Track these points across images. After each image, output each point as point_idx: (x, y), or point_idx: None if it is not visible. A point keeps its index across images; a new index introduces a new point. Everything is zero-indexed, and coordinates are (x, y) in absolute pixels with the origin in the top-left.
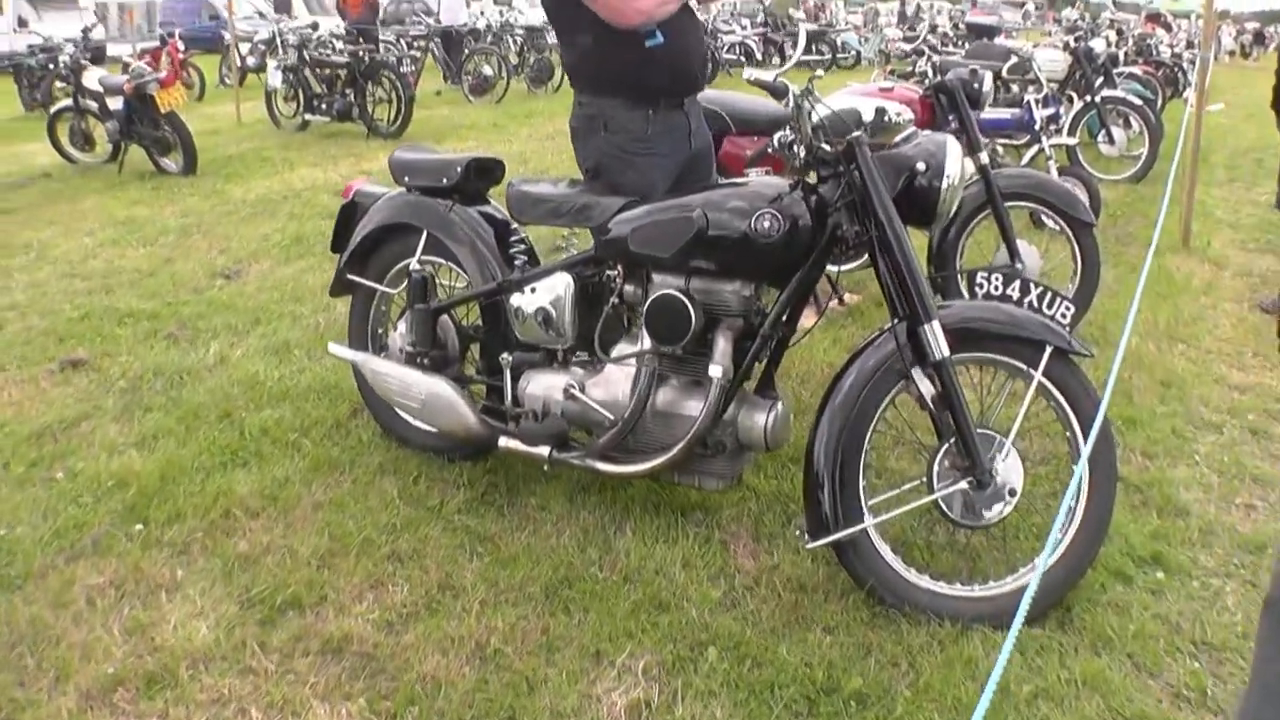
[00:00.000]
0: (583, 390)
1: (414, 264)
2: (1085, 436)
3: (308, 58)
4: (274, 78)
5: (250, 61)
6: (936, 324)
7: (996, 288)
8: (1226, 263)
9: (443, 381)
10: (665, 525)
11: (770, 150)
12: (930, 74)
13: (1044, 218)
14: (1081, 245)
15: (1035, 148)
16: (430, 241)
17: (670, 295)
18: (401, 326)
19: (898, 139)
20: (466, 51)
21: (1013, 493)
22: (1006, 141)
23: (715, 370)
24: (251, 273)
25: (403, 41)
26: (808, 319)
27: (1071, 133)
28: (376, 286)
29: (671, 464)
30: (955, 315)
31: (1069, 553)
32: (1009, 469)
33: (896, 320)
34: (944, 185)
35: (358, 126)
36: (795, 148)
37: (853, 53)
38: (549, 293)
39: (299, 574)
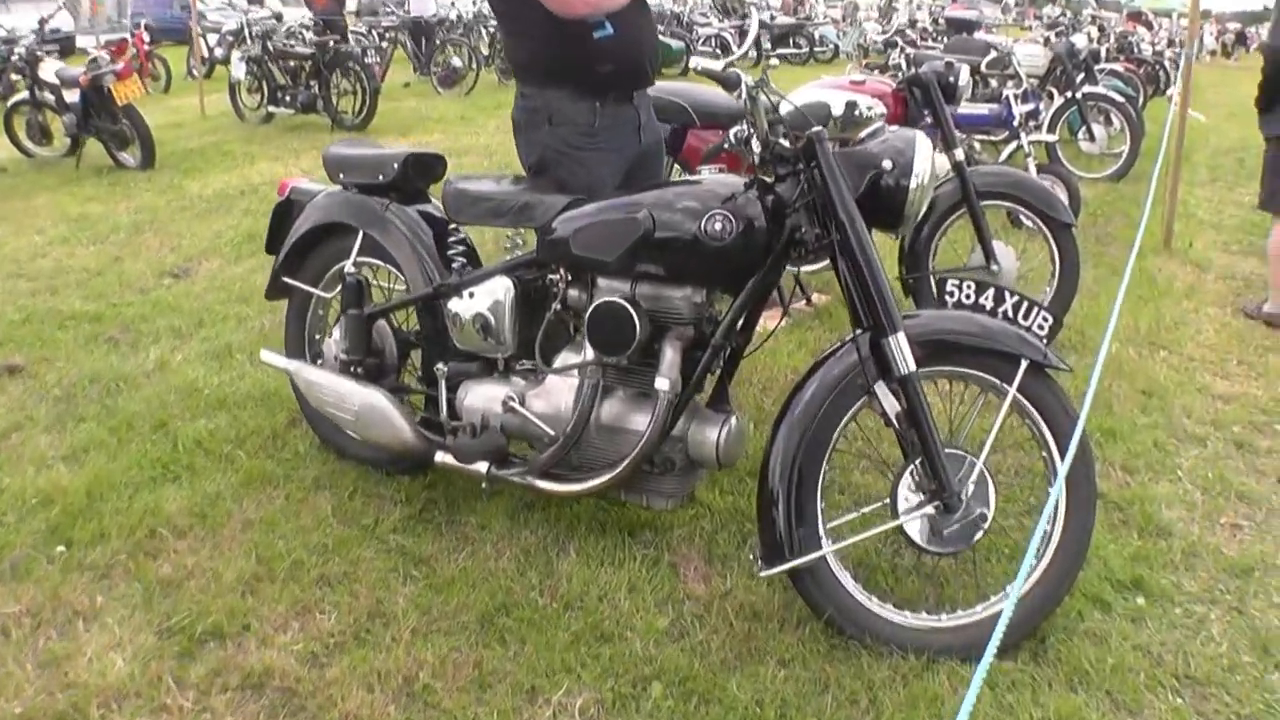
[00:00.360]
0: (523, 403)
1: (349, 266)
2: (1063, 456)
3: (272, 49)
4: (238, 69)
5: (218, 53)
6: (902, 336)
7: (969, 296)
8: (1209, 265)
9: (377, 392)
10: (611, 546)
11: (726, 146)
12: (904, 67)
13: (1021, 217)
14: (1060, 246)
15: (1014, 144)
16: (366, 242)
17: (614, 303)
18: (336, 333)
19: (863, 135)
20: (437, 42)
21: (983, 517)
22: (984, 138)
23: (662, 383)
24: (201, 272)
25: (374, 33)
26: (771, 320)
27: (1051, 129)
28: (311, 290)
29: (616, 483)
30: (923, 326)
31: (1044, 579)
32: (980, 491)
33: (859, 331)
34: (912, 185)
35: (322, 119)
36: (751, 144)
37: (830, 46)
38: (488, 298)
39: (222, 600)
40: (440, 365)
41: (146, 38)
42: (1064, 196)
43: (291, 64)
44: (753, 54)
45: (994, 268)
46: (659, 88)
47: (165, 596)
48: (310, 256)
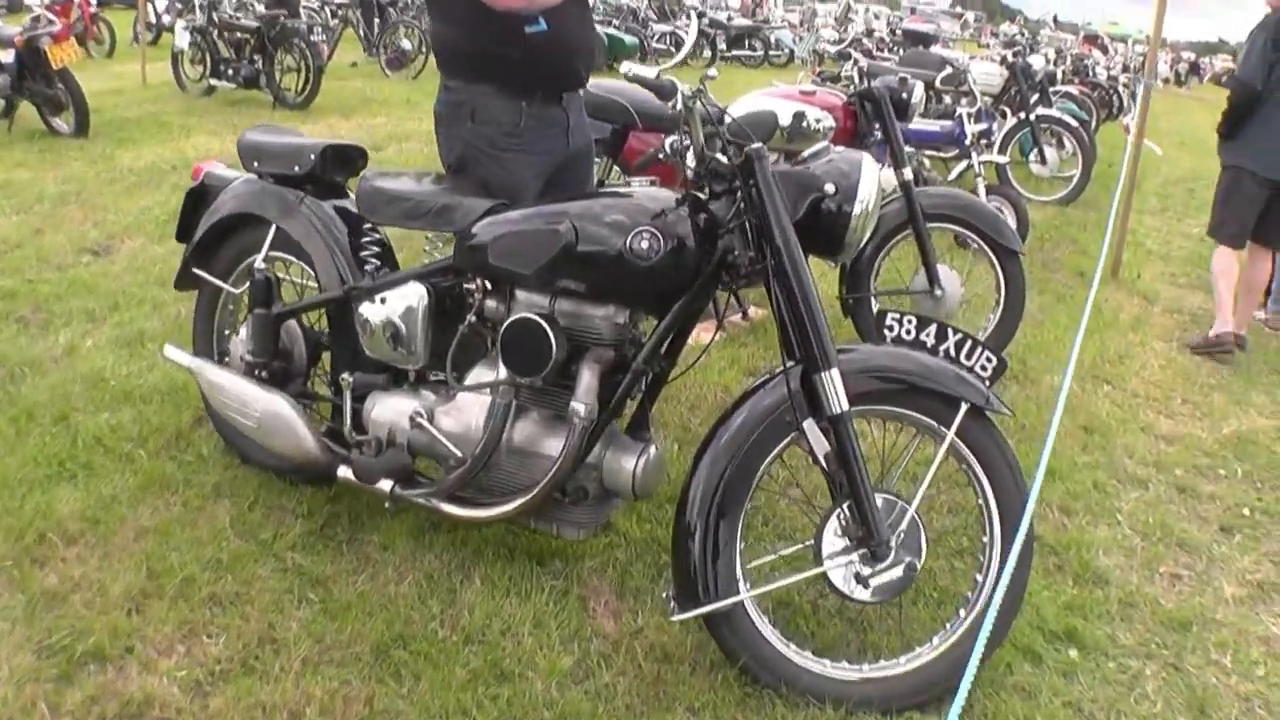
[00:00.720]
0: (431, 419)
1: (259, 262)
2: (999, 505)
3: (217, 19)
4: (181, 39)
5: (166, 19)
6: (835, 372)
7: (909, 331)
8: (1156, 297)
9: (281, 399)
10: (519, 575)
11: (661, 156)
12: (856, 80)
13: (968, 241)
14: (1006, 273)
15: (964, 163)
16: (279, 237)
17: (530, 320)
18: (244, 332)
19: (806, 154)
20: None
21: (912, 567)
22: (934, 154)
23: (577, 408)
24: (122, 250)
25: (327, 10)
26: (705, 334)
27: (1003, 150)
28: (221, 284)
29: (526, 510)
30: (858, 362)
31: (972, 631)
32: (910, 539)
33: (790, 363)
34: (855, 212)
35: (265, 95)
36: (687, 156)
37: (786, 51)
38: (400, 305)
39: (107, 618)
40: (345, 375)
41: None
42: (1012, 220)
43: (236, 36)
44: (707, 54)
45: (938, 292)
46: (601, 86)
47: (49, 610)
48: (222, 247)
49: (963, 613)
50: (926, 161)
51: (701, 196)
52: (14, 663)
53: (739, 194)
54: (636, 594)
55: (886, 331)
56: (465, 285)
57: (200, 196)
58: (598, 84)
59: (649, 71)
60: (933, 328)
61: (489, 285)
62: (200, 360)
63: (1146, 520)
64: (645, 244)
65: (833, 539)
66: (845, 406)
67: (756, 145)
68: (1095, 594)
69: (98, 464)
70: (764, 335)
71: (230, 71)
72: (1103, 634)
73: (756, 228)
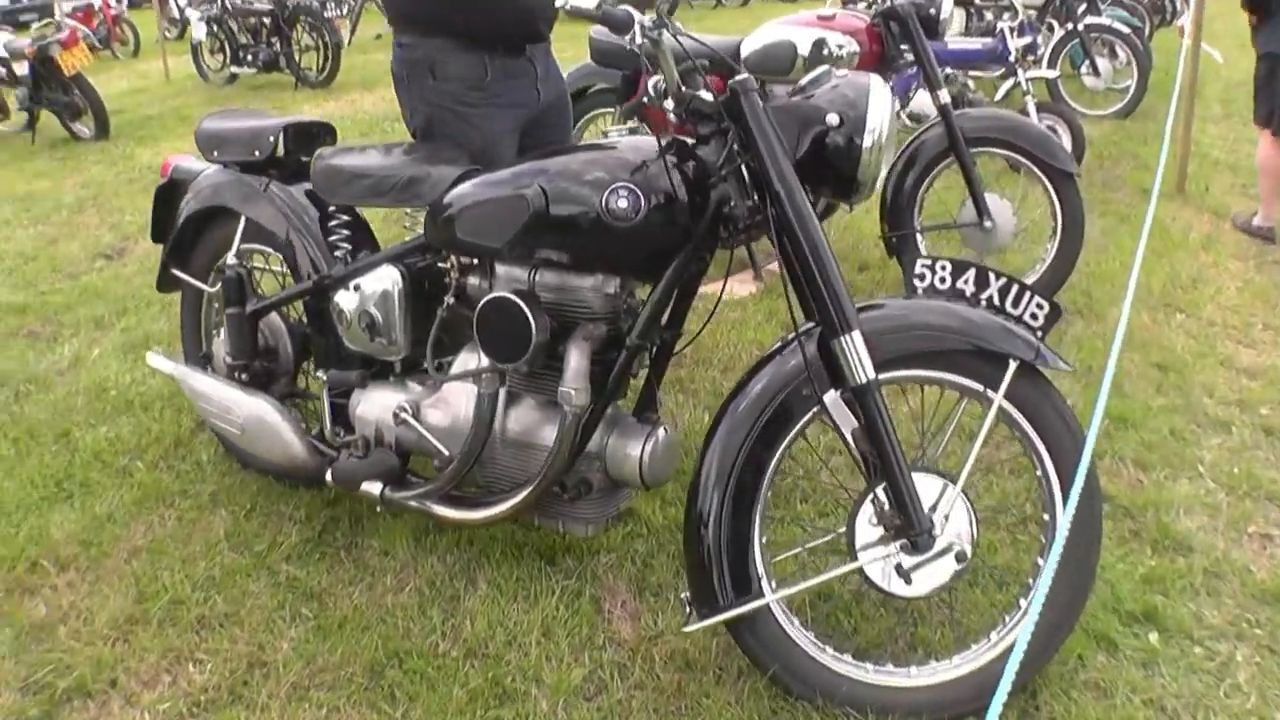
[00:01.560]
0: (417, 414)
1: (230, 257)
2: (1059, 477)
3: (230, 6)
4: (198, 29)
5: (189, 13)
6: (857, 336)
7: (943, 279)
8: (1227, 211)
9: (264, 402)
10: (527, 576)
11: (645, 100)
12: None
13: (1019, 165)
14: (1062, 197)
15: (1010, 81)
16: (250, 229)
17: (503, 299)
18: (223, 333)
19: (804, 81)
20: None
21: (962, 556)
22: (980, 75)
23: (566, 394)
24: (134, 252)
25: None
26: (743, 285)
27: (1052, 64)
28: (199, 285)
29: (522, 509)
30: (885, 320)
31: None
32: (956, 524)
33: (807, 325)
34: (866, 144)
35: (287, 77)
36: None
37: None
38: (373, 291)
39: (91, 650)
40: (320, 372)
41: (115, 1)
42: (1066, 139)
43: (252, 21)
44: None
45: (987, 224)
46: (603, 31)
47: (36, 643)
48: (198, 244)
49: (1024, 602)
50: (970, 83)
51: (688, 142)
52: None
53: (728, 137)
54: (658, 591)
55: (917, 281)
56: (440, 265)
57: (171, 193)
58: (603, 29)
59: (588, 2)
60: (971, 273)
61: (464, 263)
62: (182, 367)
63: (1231, 471)
64: (623, 203)
65: (867, 528)
66: (871, 375)
67: (742, 76)
68: (1177, 564)
69: (95, 481)
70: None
71: (249, 57)
72: (1186, 613)
73: (753, 172)
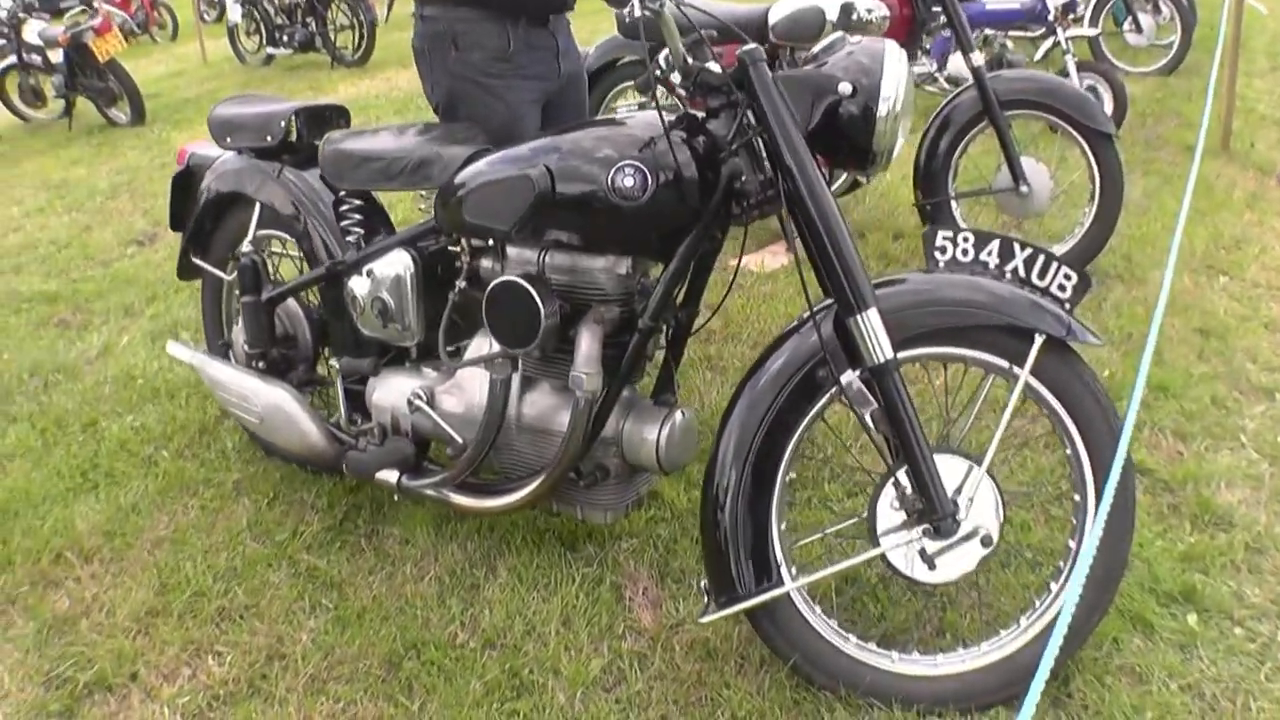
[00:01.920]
0: (431, 400)
1: (245, 245)
2: (1090, 456)
3: None
4: (233, 11)
5: None
6: (874, 314)
7: (965, 251)
8: (1272, 168)
9: (282, 390)
10: (547, 564)
11: (657, 75)
12: None
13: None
14: (1100, 159)
15: (1050, 41)
16: (266, 215)
17: (510, 283)
18: (240, 321)
19: (817, 49)
20: None
21: (988, 540)
22: (1020, 34)
23: (578, 380)
24: (165, 237)
25: None
26: (771, 258)
27: (1093, 22)
28: (218, 273)
29: (538, 497)
30: (905, 296)
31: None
32: (982, 507)
33: (823, 303)
34: (881, 113)
35: (323, 57)
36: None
37: None
38: (385, 276)
39: (112, 643)
40: (333, 361)
41: None
42: (1109, 98)
43: (287, 1)
44: None
45: (1023, 188)
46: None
47: (59, 636)
48: (217, 232)
49: (1054, 586)
50: (1010, 43)
51: (699, 116)
52: (22, 696)
53: (739, 109)
54: (680, 577)
55: (938, 255)
56: (451, 248)
57: (187, 180)
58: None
59: None
60: (995, 244)
61: (475, 245)
62: (201, 355)
63: (1274, 440)
64: (630, 181)
65: (889, 512)
66: (889, 354)
67: (750, 46)
68: (1217, 540)
69: (120, 471)
70: None
71: (285, 38)
72: (1227, 591)
73: (765, 146)
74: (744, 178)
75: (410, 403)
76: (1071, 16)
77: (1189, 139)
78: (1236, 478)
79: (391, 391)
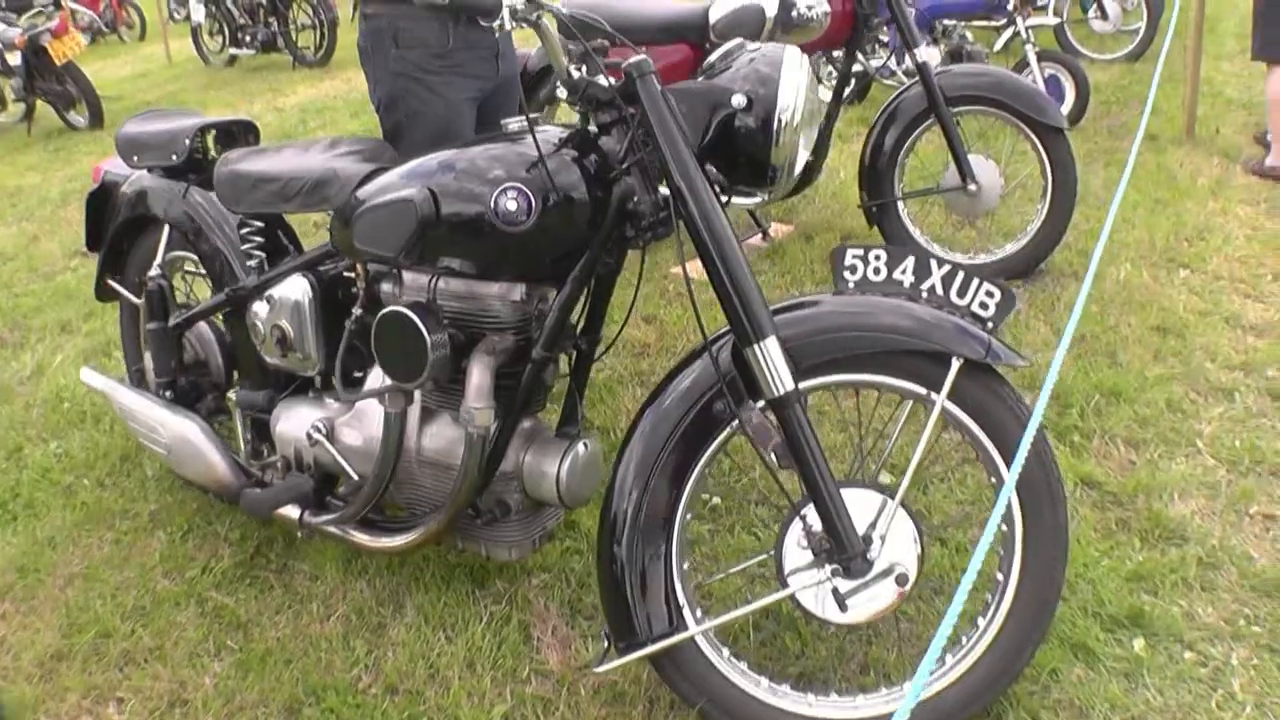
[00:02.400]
0: (331, 433)
1: (155, 268)
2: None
3: None
4: (196, 11)
5: None
6: (772, 343)
7: (877, 270)
8: (1239, 154)
9: (189, 420)
10: (455, 602)
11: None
12: None
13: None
14: (1051, 155)
15: (1010, 31)
16: (175, 237)
17: (395, 313)
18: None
19: (714, 57)
20: None
21: (902, 579)
22: (982, 24)
23: (469, 413)
24: None
25: None
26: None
27: (1057, 11)
28: (130, 297)
29: (437, 535)
30: (810, 320)
31: (994, 647)
32: (896, 543)
33: (720, 332)
34: (777, 127)
35: (285, 57)
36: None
37: None
38: (284, 303)
39: (15, 691)
40: (230, 393)
41: None
42: (1070, 87)
43: (249, 1)
44: None
45: (972, 187)
46: (570, 2)
47: None
48: (131, 253)
49: (981, 622)
50: (969, 34)
51: (591, 132)
52: None
53: (630, 125)
54: (593, 614)
55: (847, 274)
56: (348, 273)
57: (103, 199)
58: (571, 1)
59: None
60: (909, 262)
61: (371, 270)
62: (112, 382)
63: (1233, 444)
64: (512, 205)
65: (796, 550)
66: (789, 386)
67: (637, 58)
68: (1169, 556)
69: (40, 502)
70: (781, 259)
71: (247, 38)
72: (1177, 612)
73: (658, 164)
74: (636, 198)
75: (309, 436)
76: (1031, 6)
77: (1153, 127)
78: (1191, 487)
79: (294, 423)
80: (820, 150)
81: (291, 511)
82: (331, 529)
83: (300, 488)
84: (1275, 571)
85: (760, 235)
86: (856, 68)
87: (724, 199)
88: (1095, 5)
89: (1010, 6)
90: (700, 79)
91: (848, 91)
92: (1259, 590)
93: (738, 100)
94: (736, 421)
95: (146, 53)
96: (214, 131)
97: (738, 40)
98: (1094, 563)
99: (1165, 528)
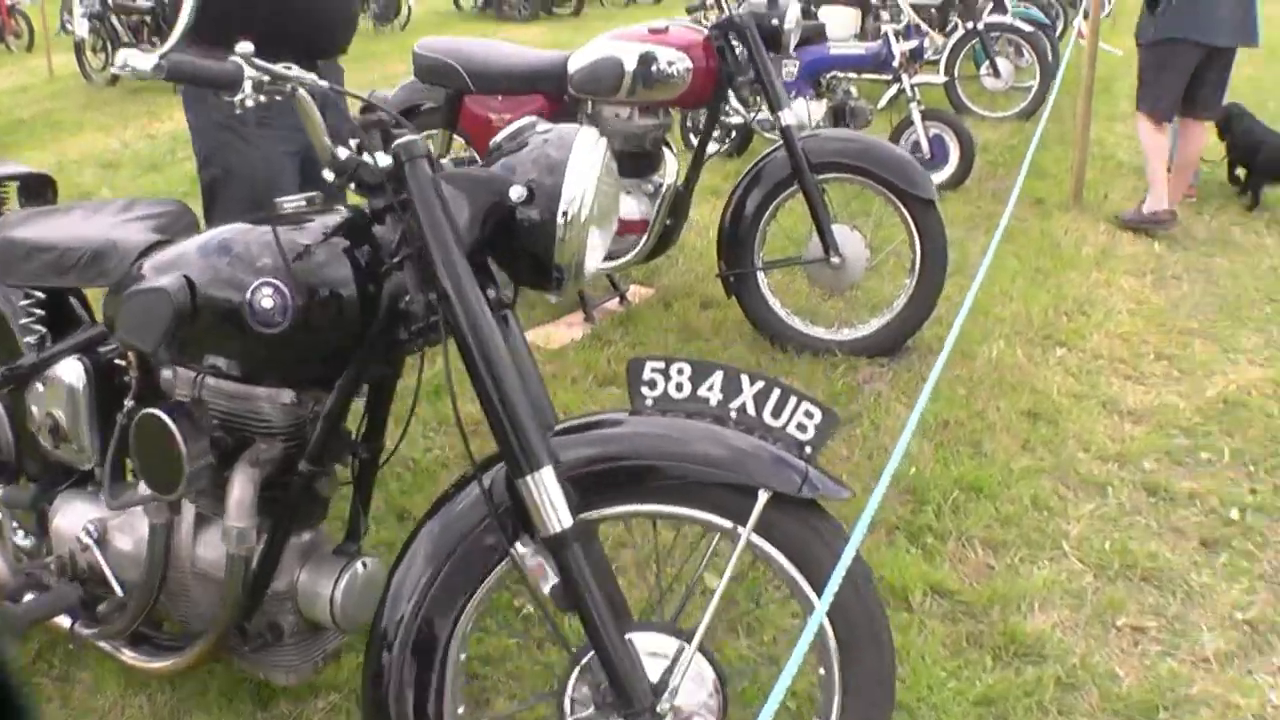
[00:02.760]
0: (103, 536)
1: None
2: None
3: (111, 2)
4: (80, 26)
5: (75, 8)
6: (547, 474)
7: (680, 386)
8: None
9: None
10: None
11: None
12: (722, 7)
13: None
14: (921, 226)
15: (895, 88)
16: None
17: (150, 417)
18: None
19: (501, 136)
20: None
21: None
22: (873, 78)
23: (230, 530)
24: None
25: None
26: (568, 330)
27: (950, 66)
28: None
29: (206, 657)
30: (597, 445)
31: None
32: (693, 691)
33: (488, 456)
34: (562, 223)
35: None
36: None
37: None
38: (56, 389)
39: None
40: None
41: None
42: (954, 149)
43: (134, 19)
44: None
45: (835, 259)
46: (426, 45)
47: None
48: None
49: None
50: (854, 89)
51: (364, 217)
52: None
53: (402, 214)
54: None
55: (645, 390)
56: (118, 360)
57: None
58: (427, 43)
59: (145, 62)
60: (717, 376)
61: (141, 360)
62: None
63: (1102, 547)
64: (267, 303)
65: (579, 701)
66: (565, 523)
67: (407, 139)
68: (1024, 676)
69: None
70: (638, 328)
71: None
72: None
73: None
74: (410, 296)
75: (79, 539)
76: (918, 63)
77: (1039, 190)
78: (1054, 596)
79: (69, 521)
80: (680, 212)
81: (63, 620)
82: (103, 644)
83: (65, 599)
84: (1141, 693)
85: (617, 299)
86: (737, 119)
87: (509, 298)
88: (988, 62)
89: (896, 63)
90: (484, 161)
91: (724, 146)
92: (1121, 715)
93: (516, 192)
94: (508, 559)
95: (32, 65)
96: (17, 183)
97: (529, 119)
98: (939, 684)
99: (1021, 644)
